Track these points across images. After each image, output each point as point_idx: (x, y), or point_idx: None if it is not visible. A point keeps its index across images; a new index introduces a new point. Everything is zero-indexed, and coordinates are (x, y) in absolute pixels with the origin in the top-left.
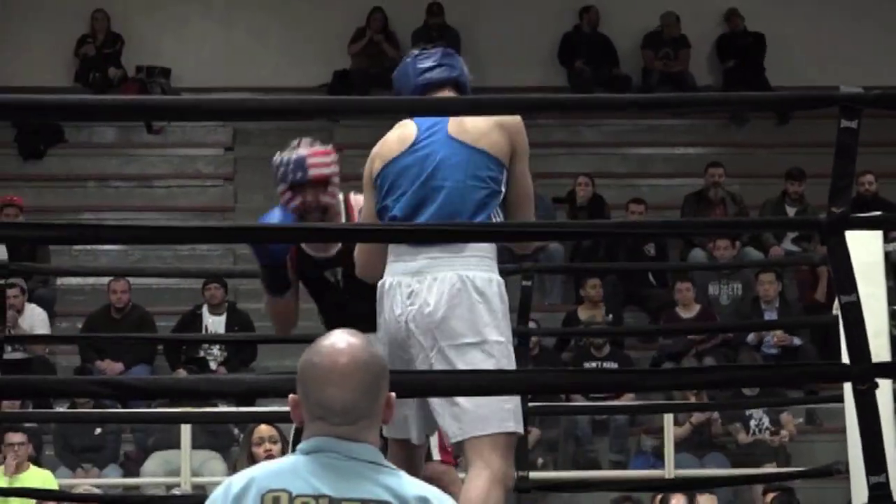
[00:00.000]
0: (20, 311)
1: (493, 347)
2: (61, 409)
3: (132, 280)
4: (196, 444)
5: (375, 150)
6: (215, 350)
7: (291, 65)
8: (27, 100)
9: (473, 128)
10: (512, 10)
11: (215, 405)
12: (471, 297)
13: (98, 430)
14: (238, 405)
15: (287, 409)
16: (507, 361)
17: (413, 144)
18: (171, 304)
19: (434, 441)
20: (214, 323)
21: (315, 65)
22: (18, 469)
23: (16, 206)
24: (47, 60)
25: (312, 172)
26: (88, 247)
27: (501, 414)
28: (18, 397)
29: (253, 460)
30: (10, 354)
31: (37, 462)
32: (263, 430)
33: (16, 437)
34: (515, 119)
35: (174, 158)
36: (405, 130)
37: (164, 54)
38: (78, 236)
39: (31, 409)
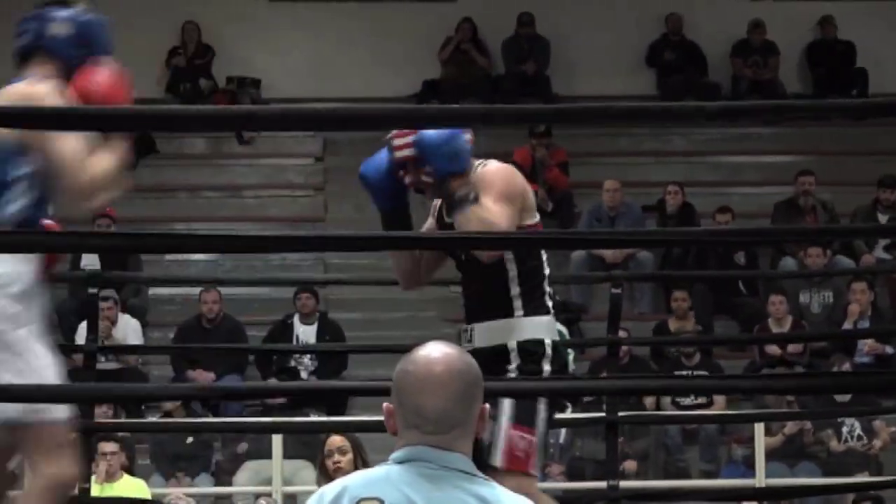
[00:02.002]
0: (114, 323)
1: None
2: (154, 419)
3: (223, 290)
4: (288, 454)
5: None
6: (306, 359)
7: (381, 75)
8: (119, 110)
9: None
10: (602, 18)
11: (307, 414)
12: None
13: (190, 440)
14: (329, 414)
15: (376, 418)
16: None
17: None
18: (262, 313)
19: (501, 445)
20: (305, 332)
21: (405, 75)
22: (111, 477)
23: (108, 217)
24: (138, 72)
25: (395, 155)
26: (180, 257)
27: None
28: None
29: (325, 471)
30: (104, 364)
31: (131, 470)
32: (335, 441)
33: (108, 447)
34: None
35: (264, 169)
36: None
37: (255, 65)
38: (169, 246)
39: (123, 419)
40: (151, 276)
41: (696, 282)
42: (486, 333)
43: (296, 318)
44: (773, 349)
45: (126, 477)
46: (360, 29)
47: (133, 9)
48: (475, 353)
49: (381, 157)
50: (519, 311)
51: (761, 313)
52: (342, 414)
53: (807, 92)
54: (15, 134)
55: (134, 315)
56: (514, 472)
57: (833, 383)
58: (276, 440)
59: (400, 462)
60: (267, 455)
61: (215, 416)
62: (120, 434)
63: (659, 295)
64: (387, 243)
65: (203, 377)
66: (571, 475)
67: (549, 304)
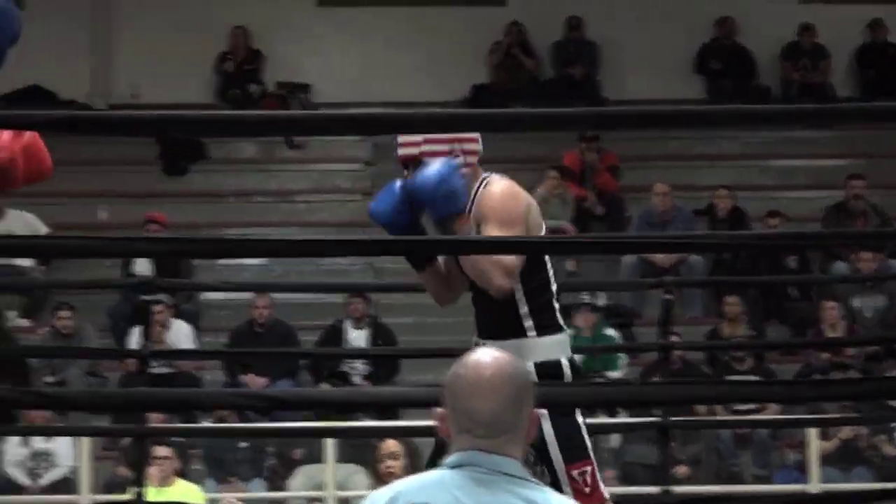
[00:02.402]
0: (166, 326)
1: None
2: (207, 424)
3: (275, 295)
4: (341, 458)
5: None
6: (358, 364)
7: (429, 79)
8: (169, 116)
9: None
10: (651, 22)
11: (359, 419)
12: None
13: (243, 444)
14: (380, 419)
15: (428, 423)
16: None
17: None
18: (313, 318)
19: (567, 490)
20: (357, 337)
21: (453, 79)
22: (165, 482)
23: (159, 223)
24: (188, 77)
25: (400, 152)
26: (232, 262)
27: None
28: (166, 410)
29: (379, 475)
30: (157, 369)
31: (184, 475)
32: (388, 446)
33: (161, 451)
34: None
35: (314, 173)
36: None
37: (304, 70)
38: (220, 251)
39: (177, 424)
40: (203, 282)
41: (747, 286)
42: None
43: (347, 323)
44: (826, 354)
45: (180, 481)
46: (409, 33)
47: (183, 15)
48: None
49: (390, 192)
50: (532, 332)
51: (813, 317)
52: (395, 418)
53: (857, 95)
54: None
55: (187, 320)
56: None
57: (887, 388)
58: (329, 445)
59: (452, 467)
60: (320, 460)
61: (268, 420)
62: (173, 438)
63: (710, 299)
64: (437, 247)
65: (255, 382)
66: (624, 480)
67: (560, 320)
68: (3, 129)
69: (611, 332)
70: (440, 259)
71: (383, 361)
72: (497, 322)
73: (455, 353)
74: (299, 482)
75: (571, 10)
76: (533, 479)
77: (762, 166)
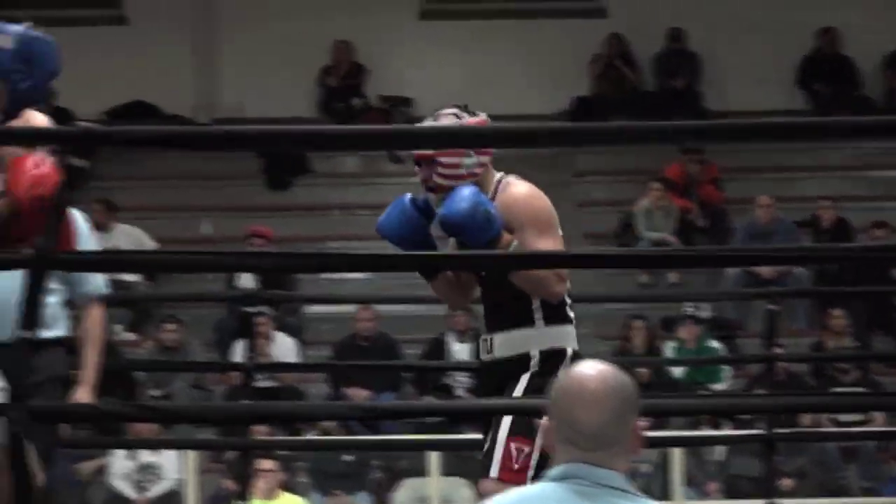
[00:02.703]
0: (269, 338)
1: None
2: (311, 437)
3: (378, 308)
4: (445, 472)
5: None
6: (461, 377)
7: (532, 92)
8: (273, 130)
9: None
10: (753, 33)
11: (463, 432)
12: None
13: (348, 457)
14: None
15: None
16: None
17: None
18: (416, 331)
19: (497, 456)
20: (460, 349)
21: (555, 91)
22: (270, 495)
23: (263, 237)
24: (291, 92)
25: (414, 152)
26: (335, 275)
27: None
28: (270, 423)
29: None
30: (261, 382)
31: (289, 488)
32: None
33: (266, 464)
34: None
35: (417, 187)
36: None
37: (407, 84)
38: (324, 265)
39: (281, 437)
40: (307, 295)
41: (852, 297)
42: (508, 343)
43: (450, 336)
44: None
45: (285, 494)
46: (511, 46)
47: (286, 29)
48: (496, 362)
49: (399, 207)
50: (540, 322)
51: None
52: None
53: None
54: None
55: (290, 334)
56: (508, 483)
57: None
58: (434, 458)
59: (555, 479)
60: (424, 472)
61: (373, 433)
62: (278, 451)
63: (815, 310)
64: (539, 261)
65: (359, 395)
66: (728, 493)
67: (571, 314)
68: (106, 144)
69: (714, 343)
70: None
71: None
72: (508, 313)
73: None
74: (404, 495)
75: (673, 22)
76: (637, 493)
77: (866, 177)
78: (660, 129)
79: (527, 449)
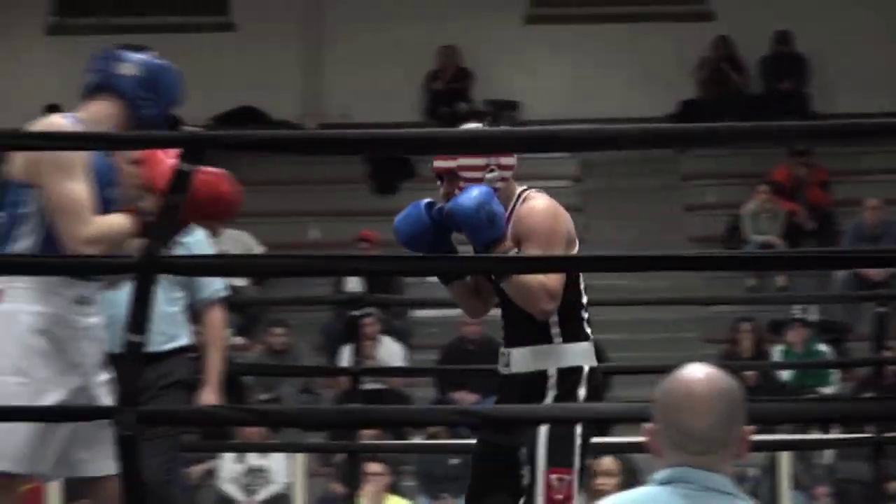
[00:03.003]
0: (375, 340)
1: None
2: (418, 440)
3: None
4: None
5: None
6: None
7: (638, 95)
8: (379, 135)
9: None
10: (860, 35)
11: None
12: None
13: (455, 460)
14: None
15: (638, 439)
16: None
17: None
18: None
19: (539, 490)
20: None
21: (661, 95)
22: (377, 498)
23: (369, 241)
24: (397, 97)
25: (435, 164)
26: None
27: None
28: (378, 427)
29: (590, 492)
30: (367, 385)
31: (397, 491)
32: (603, 463)
33: (374, 468)
34: None
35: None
36: None
37: (512, 88)
38: (430, 268)
39: (389, 440)
40: (413, 299)
41: None
42: (524, 359)
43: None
44: None
45: (392, 497)
46: (617, 49)
47: (392, 34)
48: (513, 377)
49: (416, 210)
50: (558, 338)
51: None
52: (605, 434)
53: None
54: (23, 170)
55: (397, 337)
56: None
57: None
58: None
59: (662, 483)
60: None
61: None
62: (385, 454)
63: None
64: (648, 263)
65: (466, 398)
66: (837, 497)
67: (588, 329)
68: (213, 148)
69: (822, 347)
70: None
71: None
72: (526, 329)
73: (666, 368)
74: None
75: (780, 24)
76: (744, 496)
77: None
78: (763, 130)
79: (567, 477)
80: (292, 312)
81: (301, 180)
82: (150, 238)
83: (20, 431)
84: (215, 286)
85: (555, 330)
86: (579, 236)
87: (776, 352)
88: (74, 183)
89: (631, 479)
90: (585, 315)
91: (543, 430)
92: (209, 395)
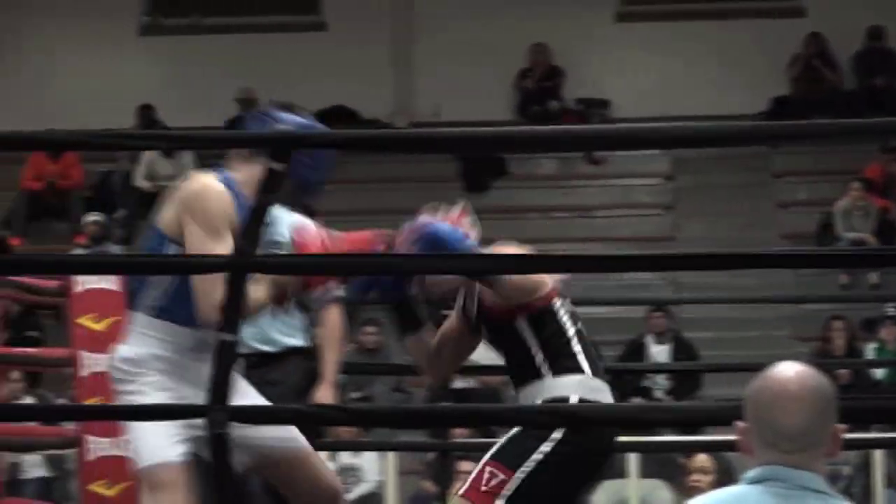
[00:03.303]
0: None
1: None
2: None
3: (578, 309)
4: (644, 473)
5: None
6: (660, 379)
7: (729, 93)
8: (469, 133)
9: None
10: None
11: (662, 434)
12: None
13: None
14: (683, 434)
15: (730, 438)
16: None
17: None
18: (615, 333)
19: (473, 474)
20: (659, 352)
21: (753, 92)
22: None
23: None
24: (488, 95)
25: None
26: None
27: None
28: (468, 425)
29: (684, 490)
30: (457, 383)
31: None
32: (698, 460)
33: (466, 466)
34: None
35: (614, 189)
36: None
37: (603, 86)
38: (522, 267)
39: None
40: None
41: None
42: (522, 399)
43: (649, 338)
44: None
45: None
46: (708, 46)
47: (483, 33)
48: None
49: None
50: (548, 374)
51: None
52: (697, 432)
53: None
54: (172, 223)
55: None
56: (469, 502)
57: None
58: (632, 459)
59: (753, 482)
60: (623, 474)
61: None
62: (477, 453)
63: None
64: (739, 262)
65: None
66: None
67: (583, 363)
68: (303, 147)
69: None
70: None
71: (685, 376)
72: (519, 372)
73: (757, 367)
74: (603, 497)
75: (873, 20)
76: (837, 495)
77: None
78: (853, 127)
79: (501, 476)
80: (384, 311)
81: (392, 179)
82: (240, 237)
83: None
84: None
85: (544, 367)
86: (668, 235)
87: (869, 349)
88: (217, 245)
89: (725, 477)
90: (578, 347)
91: (514, 430)
92: (324, 394)
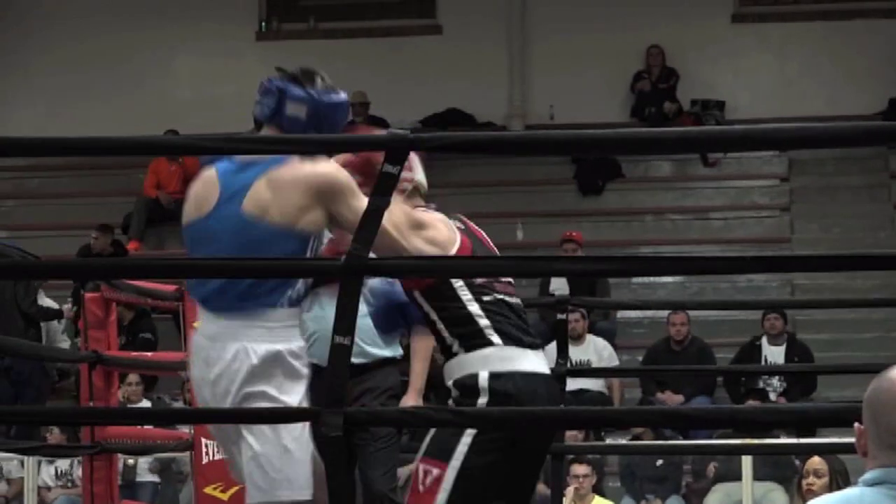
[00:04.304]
0: (581, 337)
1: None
2: (623, 441)
3: (691, 312)
4: (758, 476)
5: None
6: (775, 381)
7: (845, 93)
8: (584, 135)
9: None
10: None
11: (777, 436)
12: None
13: (660, 462)
14: (798, 436)
15: (846, 440)
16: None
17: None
18: (729, 335)
19: (419, 455)
20: (774, 353)
21: (870, 92)
22: (582, 500)
23: (575, 241)
24: (604, 97)
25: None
26: (647, 280)
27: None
28: (581, 427)
29: (799, 492)
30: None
31: (601, 492)
32: (813, 462)
33: (581, 469)
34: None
35: (730, 190)
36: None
37: (719, 87)
38: (636, 269)
39: (593, 442)
40: (619, 300)
41: None
42: (446, 379)
43: (764, 340)
44: None
45: (597, 498)
46: (825, 47)
47: (598, 35)
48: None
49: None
50: (459, 351)
51: None
52: (812, 435)
53: None
54: (285, 217)
55: (604, 337)
56: None
57: None
58: (746, 462)
59: (870, 484)
60: (737, 477)
61: (684, 437)
62: (590, 456)
63: None
64: (855, 263)
65: (672, 399)
66: None
67: (494, 335)
68: (420, 150)
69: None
70: None
71: (801, 378)
72: (441, 349)
73: (873, 368)
74: (716, 499)
75: None
76: None
77: None
78: None
79: (435, 470)
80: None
81: (508, 182)
82: (355, 241)
83: (305, 461)
84: None
85: (455, 344)
86: (784, 236)
87: None
88: (358, 201)
89: (840, 480)
90: (486, 321)
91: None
92: (411, 400)
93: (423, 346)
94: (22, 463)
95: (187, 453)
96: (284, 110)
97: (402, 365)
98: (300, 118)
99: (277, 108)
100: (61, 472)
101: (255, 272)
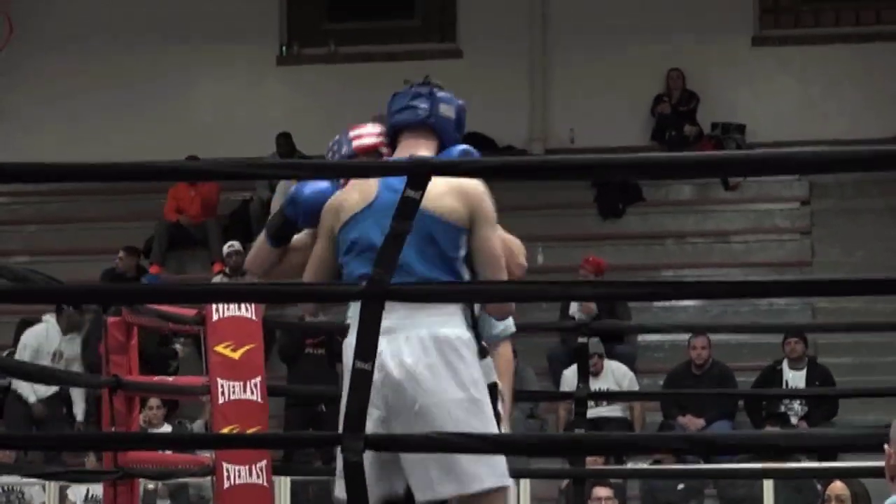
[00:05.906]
0: (601, 367)
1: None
2: (644, 465)
3: (712, 336)
4: (779, 500)
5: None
6: (796, 405)
7: (867, 117)
8: (604, 160)
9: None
10: None
11: (798, 460)
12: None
13: (681, 486)
14: (820, 460)
15: (868, 464)
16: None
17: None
18: (750, 359)
19: None
20: (795, 377)
21: (891, 116)
22: None
23: (593, 265)
24: (624, 121)
25: (355, 144)
26: (668, 303)
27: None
28: (602, 453)
29: None
30: (595, 412)
31: None
32: (835, 488)
33: (602, 492)
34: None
35: (751, 214)
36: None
37: (739, 110)
38: (657, 293)
39: (614, 466)
40: (640, 324)
41: None
42: None
43: (785, 364)
44: None
45: None
46: (847, 69)
47: (618, 59)
48: None
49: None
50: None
51: None
52: (834, 459)
53: None
54: (464, 217)
55: (623, 362)
56: None
57: None
58: (768, 486)
59: None
60: (759, 501)
61: (706, 461)
62: (612, 480)
63: None
64: (877, 287)
65: (693, 423)
66: None
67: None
68: (445, 175)
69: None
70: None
71: (822, 402)
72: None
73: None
74: None
75: None
76: None
77: None
78: None
79: None
80: (519, 338)
81: (528, 206)
82: (377, 265)
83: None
84: (507, 324)
85: None
86: (805, 260)
87: None
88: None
89: None
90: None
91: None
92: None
93: (509, 368)
94: (43, 488)
95: (208, 478)
96: (439, 111)
97: None
98: (451, 118)
99: (431, 109)
100: (91, 495)
101: (274, 297)
